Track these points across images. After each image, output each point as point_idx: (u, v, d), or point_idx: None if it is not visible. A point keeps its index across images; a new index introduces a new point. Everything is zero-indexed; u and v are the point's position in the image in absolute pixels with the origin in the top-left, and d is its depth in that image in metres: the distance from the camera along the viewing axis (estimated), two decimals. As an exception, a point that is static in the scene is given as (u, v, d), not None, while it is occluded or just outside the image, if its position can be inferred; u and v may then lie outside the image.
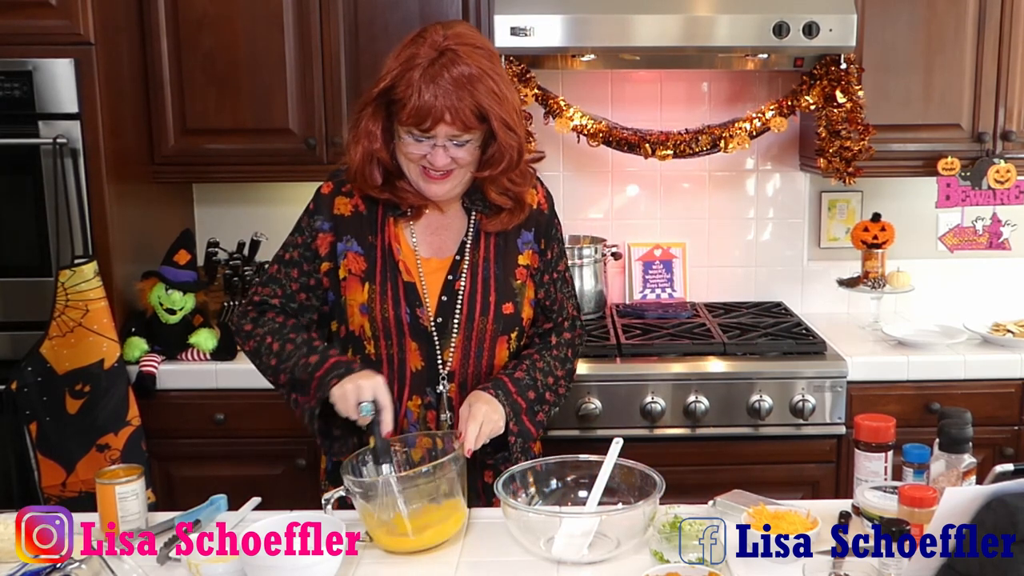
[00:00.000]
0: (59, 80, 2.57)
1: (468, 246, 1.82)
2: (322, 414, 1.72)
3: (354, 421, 1.67)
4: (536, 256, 1.88)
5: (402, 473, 1.62)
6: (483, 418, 1.69)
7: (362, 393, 1.65)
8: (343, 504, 1.64)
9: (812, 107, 2.89)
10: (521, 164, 1.77)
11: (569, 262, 2.27)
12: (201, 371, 2.72)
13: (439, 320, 1.79)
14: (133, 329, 2.74)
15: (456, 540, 1.64)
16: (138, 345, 2.71)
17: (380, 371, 1.78)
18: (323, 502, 1.63)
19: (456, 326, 1.80)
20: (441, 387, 1.81)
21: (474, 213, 1.84)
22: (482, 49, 1.70)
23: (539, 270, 1.89)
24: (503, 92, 1.69)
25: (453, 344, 1.80)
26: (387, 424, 1.65)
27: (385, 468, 1.62)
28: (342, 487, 1.61)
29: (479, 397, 1.74)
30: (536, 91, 2.88)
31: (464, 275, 1.81)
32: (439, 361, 1.80)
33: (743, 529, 1.51)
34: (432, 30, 1.69)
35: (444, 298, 1.80)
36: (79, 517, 1.60)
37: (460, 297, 1.80)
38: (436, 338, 1.79)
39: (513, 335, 1.85)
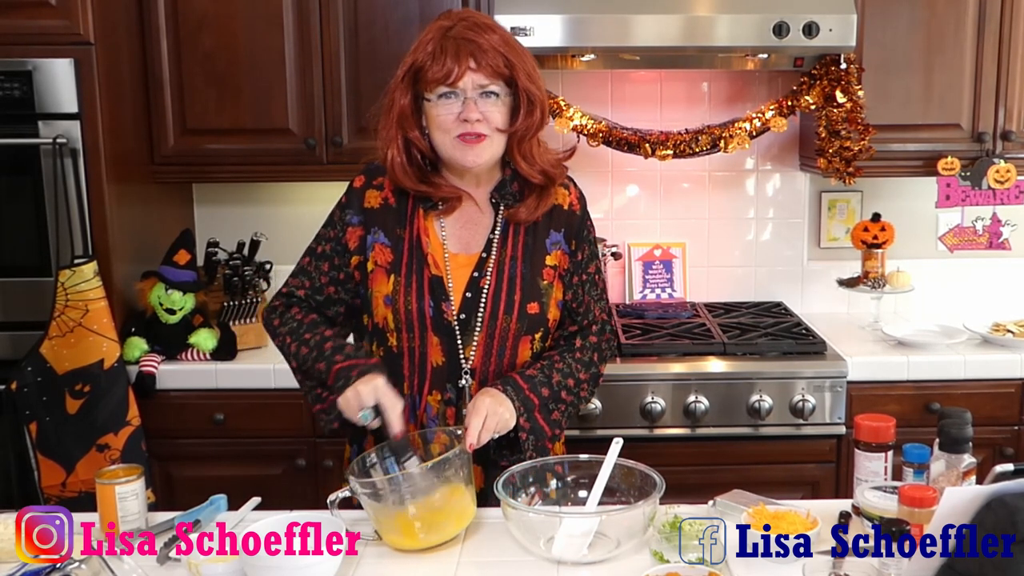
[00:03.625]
0: (59, 80, 2.57)
1: (495, 243, 1.82)
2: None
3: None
4: (565, 257, 1.86)
5: (402, 471, 1.62)
6: (487, 411, 1.68)
7: (362, 400, 1.66)
8: (346, 502, 1.64)
9: (812, 107, 2.89)
10: (545, 124, 1.79)
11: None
12: (201, 371, 2.72)
13: (462, 316, 1.79)
14: (133, 329, 2.74)
15: (457, 540, 1.64)
16: (138, 345, 2.71)
17: (401, 364, 1.80)
18: (328, 503, 1.63)
19: (479, 323, 1.79)
20: (463, 382, 1.79)
21: (502, 207, 1.83)
22: (496, 22, 1.78)
23: (568, 271, 1.87)
24: (521, 48, 1.76)
25: (475, 341, 1.79)
26: (394, 424, 1.66)
27: (411, 463, 1.62)
28: (347, 488, 1.61)
29: (485, 392, 1.73)
30: (536, 91, 2.88)
31: (490, 272, 1.80)
32: (461, 357, 1.79)
33: (743, 529, 1.51)
34: (444, 14, 1.79)
35: (468, 294, 1.79)
36: (79, 517, 1.60)
37: (484, 294, 1.79)
38: (458, 334, 1.78)
39: (537, 336, 1.84)
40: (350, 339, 1.93)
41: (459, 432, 1.71)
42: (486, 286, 1.80)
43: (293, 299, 1.88)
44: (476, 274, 1.81)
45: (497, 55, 1.70)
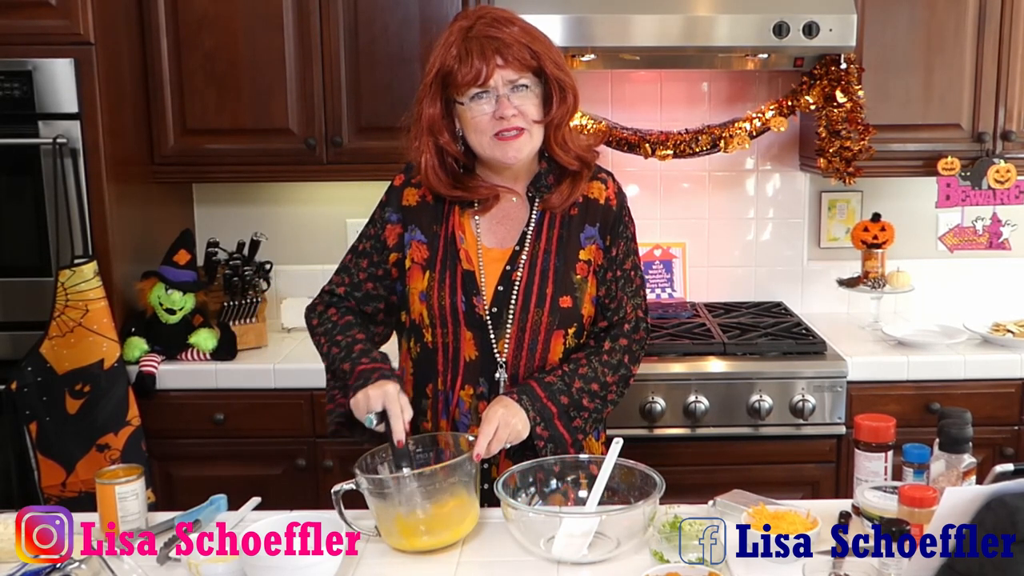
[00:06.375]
0: (59, 80, 2.57)
1: (529, 237, 1.83)
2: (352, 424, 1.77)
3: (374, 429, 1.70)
4: (600, 252, 1.86)
5: (414, 472, 1.62)
6: (499, 422, 1.67)
7: (370, 403, 1.67)
8: (348, 497, 1.64)
9: (812, 107, 2.89)
10: (577, 108, 1.81)
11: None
12: (201, 371, 2.72)
13: (494, 310, 1.80)
14: (133, 329, 2.74)
15: (457, 540, 1.64)
16: (138, 345, 2.71)
17: (436, 359, 1.82)
18: (332, 493, 1.62)
19: (511, 317, 1.79)
20: (498, 374, 1.80)
21: (537, 201, 1.84)
22: (512, 14, 1.78)
23: (602, 267, 1.87)
24: (543, 36, 1.77)
25: (507, 335, 1.80)
26: (397, 432, 1.65)
27: (404, 471, 1.63)
28: (352, 481, 1.61)
29: (499, 401, 1.73)
30: (536, 91, 2.87)
31: (522, 266, 1.81)
32: (494, 351, 1.80)
33: (743, 529, 1.51)
34: (461, 13, 1.80)
35: (500, 288, 1.80)
36: (79, 517, 1.60)
37: (516, 287, 1.80)
38: (491, 328, 1.79)
39: (571, 331, 1.84)
40: (392, 340, 1.95)
41: (470, 437, 1.71)
42: (518, 279, 1.81)
43: (333, 298, 1.91)
44: (508, 267, 1.81)
45: (522, 48, 1.72)
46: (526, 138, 1.76)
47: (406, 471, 1.62)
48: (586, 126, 2.94)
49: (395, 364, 1.80)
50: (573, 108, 1.80)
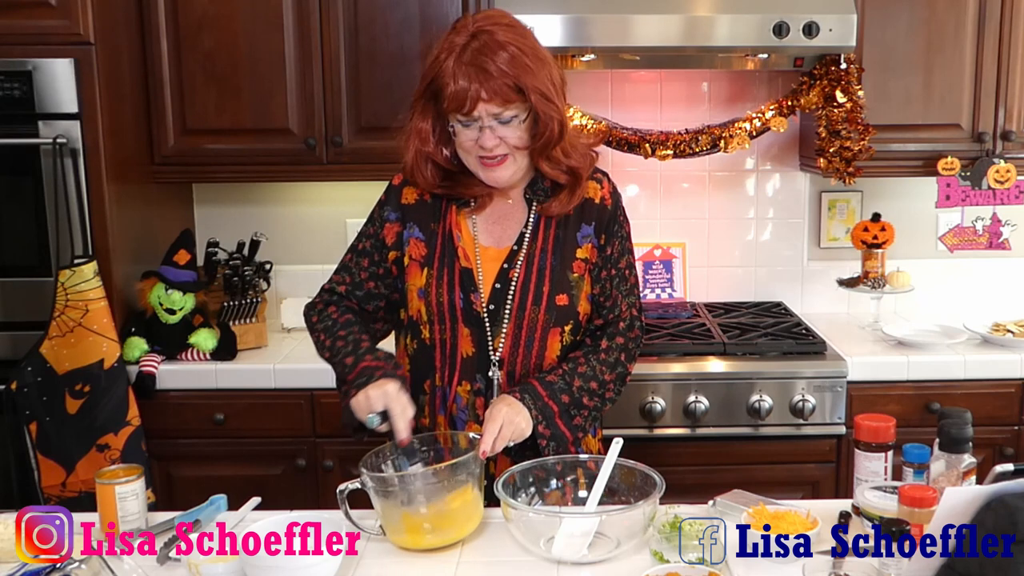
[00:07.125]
0: (59, 80, 2.56)
1: (527, 237, 1.85)
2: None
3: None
4: (595, 251, 1.88)
5: (420, 470, 1.63)
6: (503, 420, 1.69)
7: (371, 404, 1.68)
8: (349, 496, 1.64)
9: (812, 107, 2.89)
10: (565, 137, 1.79)
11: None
12: (201, 371, 2.72)
13: (491, 307, 1.81)
14: (133, 329, 2.74)
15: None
16: (138, 345, 2.71)
17: (433, 355, 1.83)
18: (338, 492, 1.63)
19: (508, 314, 1.81)
20: (492, 372, 1.82)
21: (535, 204, 1.86)
22: (513, 26, 1.75)
23: (597, 265, 1.88)
24: (536, 64, 1.73)
25: (504, 332, 1.81)
26: (400, 431, 1.67)
27: (414, 468, 1.64)
28: (357, 480, 1.61)
29: (502, 399, 1.74)
30: (536, 91, 2.87)
31: (520, 264, 1.83)
32: (490, 348, 1.81)
33: (743, 529, 1.51)
34: (465, 17, 1.79)
35: (498, 286, 1.82)
36: (79, 517, 1.60)
37: (513, 285, 1.82)
38: (488, 325, 1.81)
39: (567, 328, 1.85)
40: (390, 339, 1.97)
41: (469, 435, 1.72)
42: (515, 278, 1.82)
43: (334, 296, 1.92)
44: (506, 266, 1.83)
45: (507, 79, 1.68)
46: (510, 162, 1.77)
47: (416, 467, 1.63)
48: (586, 126, 2.94)
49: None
50: (559, 138, 1.77)
